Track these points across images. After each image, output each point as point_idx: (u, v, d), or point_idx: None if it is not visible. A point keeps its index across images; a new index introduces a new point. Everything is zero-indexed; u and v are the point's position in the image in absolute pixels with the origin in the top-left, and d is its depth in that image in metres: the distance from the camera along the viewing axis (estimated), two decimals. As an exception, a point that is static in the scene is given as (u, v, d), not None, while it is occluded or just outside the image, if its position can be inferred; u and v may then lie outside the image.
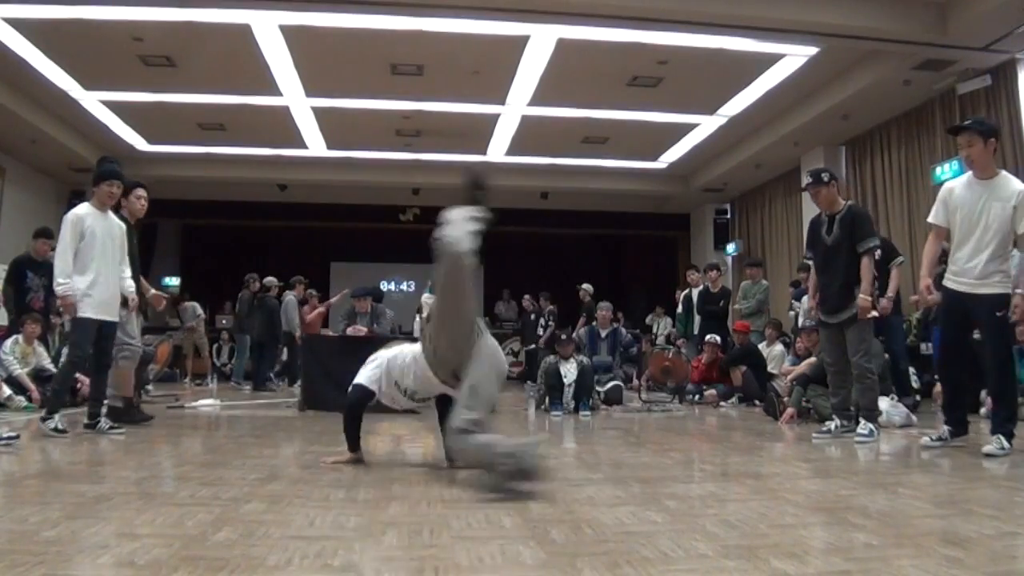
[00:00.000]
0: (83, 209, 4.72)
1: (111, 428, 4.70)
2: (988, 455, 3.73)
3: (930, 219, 4.21)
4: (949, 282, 4.05)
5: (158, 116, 10.40)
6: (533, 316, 11.47)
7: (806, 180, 4.85)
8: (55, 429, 4.40)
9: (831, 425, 4.73)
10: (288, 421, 5.83)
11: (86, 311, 4.58)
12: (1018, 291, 3.80)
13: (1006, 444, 3.78)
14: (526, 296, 12.08)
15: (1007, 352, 3.95)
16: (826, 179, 4.74)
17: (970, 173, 4.05)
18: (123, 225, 4.97)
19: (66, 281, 4.51)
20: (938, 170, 8.59)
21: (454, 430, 2.93)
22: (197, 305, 12.40)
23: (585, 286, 10.96)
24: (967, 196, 3.97)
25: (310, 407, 6.43)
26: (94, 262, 4.62)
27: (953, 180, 4.25)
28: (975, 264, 3.90)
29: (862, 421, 4.54)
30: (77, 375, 5.48)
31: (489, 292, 15.42)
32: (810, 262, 5.16)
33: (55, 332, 7.75)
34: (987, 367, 3.94)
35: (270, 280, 10.43)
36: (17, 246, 8.36)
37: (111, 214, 4.88)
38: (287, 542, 2.01)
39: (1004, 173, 3.99)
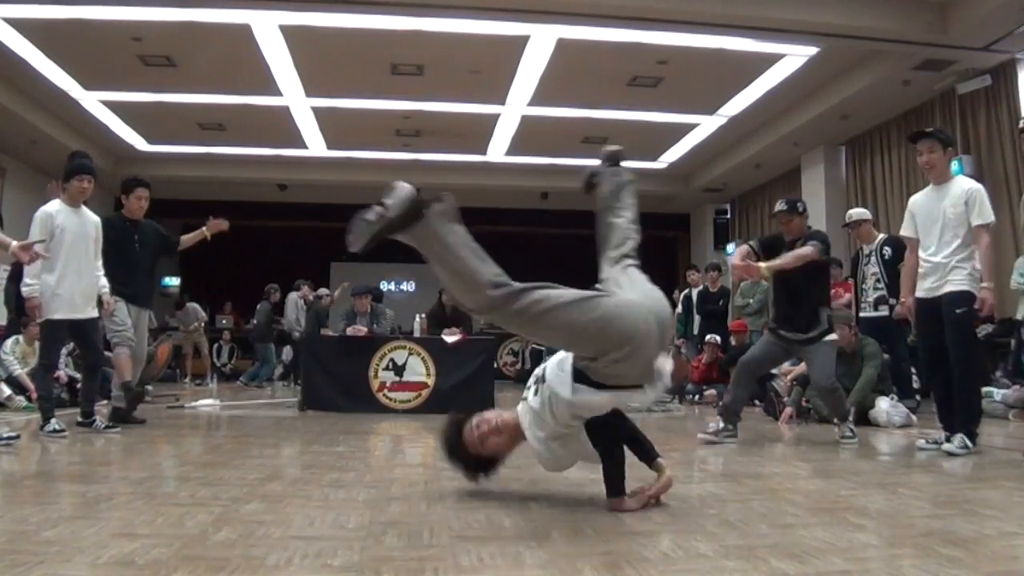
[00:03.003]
0: (53, 206, 4.62)
1: (107, 427, 4.70)
2: (950, 453, 3.80)
3: (902, 232, 4.34)
4: (919, 291, 4.12)
5: (158, 116, 10.40)
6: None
7: (780, 207, 4.79)
8: (54, 431, 4.40)
9: (715, 426, 4.65)
10: (288, 421, 5.83)
11: (56, 312, 4.52)
12: (984, 285, 3.85)
13: (969, 443, 3.84)
14: None
15: (968, 350, 3.97)
16: (801, 209, 4.75)
17: (930, 184, 4.19)
18: (98, 221, 4.90)
19: (34, 282, 4.43)
20: (938, 170, 8.59)
21: None
22: (199, 307, 12.42)
23: None
24: (925, 203, 4.15)
25: (310, 407, 6.43)
26: (62, 259, 4.54)
27: (918, 193, 4.36)
28: (936, 265, 4.01)
29: (841, 425, 4.57)
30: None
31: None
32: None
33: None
34: (951, 364, 3.94)
35: (323, 290, 10.56)
36: (17, 246, 8.35)
37: (85, 210, 4.81)
38: (287, 542, 2.01)
39: (958, 178, 4.18)
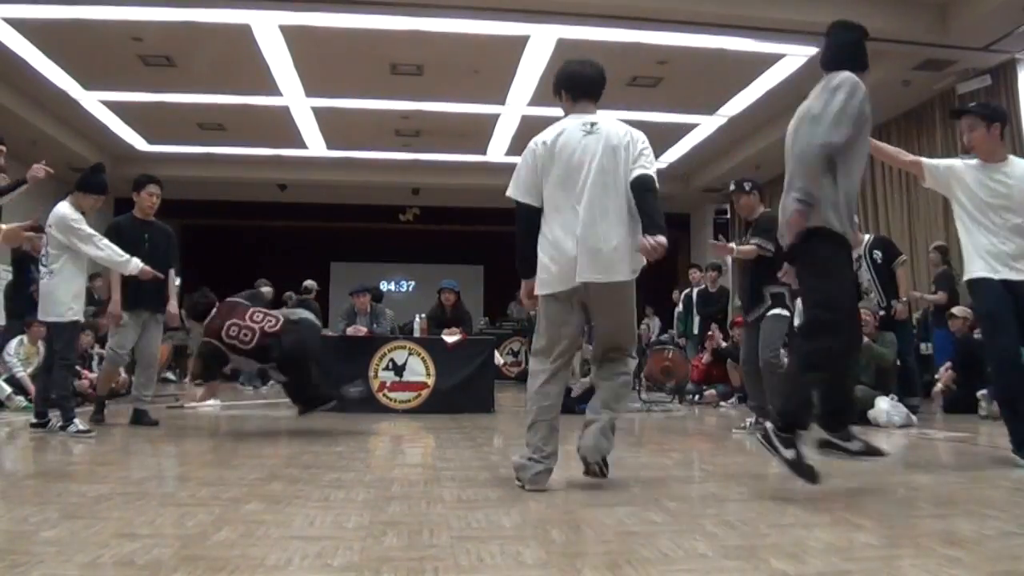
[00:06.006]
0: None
1: (80, 432, 4.59)
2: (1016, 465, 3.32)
3: (926, 173, 3.71)
4: (1009, 271, 3.43)
5: (158, 116, 10.41)
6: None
7: (730, 187, 5.11)
8: (79, 431, 4.39)
9: (748, 421, 4.98)
10: (288, 421, 5.83)
11: (79, 313, 4.71)
12: None
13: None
14: None
15: None
16: (747, 188, 4.98)
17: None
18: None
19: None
20: (938, 170, 8.56)
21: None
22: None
23: None
24: (977, 177, 3.53)
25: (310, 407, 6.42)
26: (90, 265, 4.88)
27: (966, 160, 3.72)
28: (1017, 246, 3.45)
29: (758, 420, 4.60)
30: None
31: (498, 292, 15.42)
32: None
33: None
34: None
35: (309, 282, 10.49)
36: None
37: None
38: (287, 542, 2.01)
39: (1011, 158, 3.59)
